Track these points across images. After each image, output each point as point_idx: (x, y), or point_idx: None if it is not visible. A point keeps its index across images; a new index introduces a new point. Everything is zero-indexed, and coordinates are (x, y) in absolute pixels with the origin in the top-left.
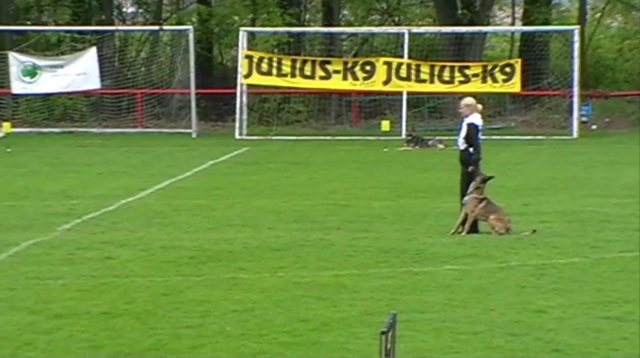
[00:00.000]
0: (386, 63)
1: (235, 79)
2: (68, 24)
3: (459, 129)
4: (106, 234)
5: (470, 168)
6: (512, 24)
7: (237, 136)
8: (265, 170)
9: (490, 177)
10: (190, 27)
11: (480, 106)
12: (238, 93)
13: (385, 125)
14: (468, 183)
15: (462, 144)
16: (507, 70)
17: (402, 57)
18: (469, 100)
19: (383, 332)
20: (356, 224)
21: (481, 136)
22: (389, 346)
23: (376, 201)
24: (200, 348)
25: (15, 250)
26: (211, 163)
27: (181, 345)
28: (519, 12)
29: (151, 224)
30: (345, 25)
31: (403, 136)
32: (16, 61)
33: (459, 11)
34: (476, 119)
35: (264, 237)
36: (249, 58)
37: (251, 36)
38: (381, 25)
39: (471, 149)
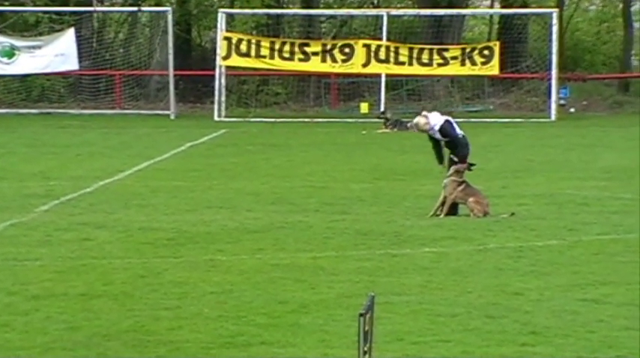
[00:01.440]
0: (365, 45)
1: (214, 60)
2: (46, 4)
3: (437, 138)
4: (84, 216)
5: (462, 166)
6: (491, 6)
7: (215, 118)
8: (244, 152)
9: (472, 165)
10: (169, 8)
11: (424, 112)
12: (217, 75)
13: (364, 107)
14: (452, 164)
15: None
16: (486, 52)
17: (380, 39)
18: (419, 120)
19: (361, 315)
20: (334, 206)
21: (459, 131)
22: (367, 328)
23: (355, 184)
24: (178, 330)
25: None
26: (189, 145)
27: (159, 327)
28: None
29: (129, 205)
30: (324, 7)
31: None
32: None
33: None
34: (439, 118)
35: (242, 219)
36: (228, 39)
37: (230, 17)
38: (360, 7)
39: (460, 136)
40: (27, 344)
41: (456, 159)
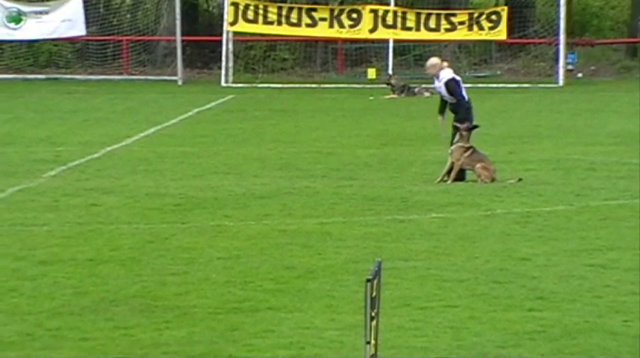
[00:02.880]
0: (372, 11)
1: (221, 26)
2: None
3: (439, 90)
4: (91, 181)
5: (462, 127)
6: None
7: (222, 84)
8: (251, 118)
9: (475, 126)
10: None
11: (445, 63)
12: (224, 41)
13: (371, 73)
14: (457, 131)
15: (451, 99)
16: (493, 17)
17: (388, 4)
18: (433, 60)
19: (368, 280)
20: (341, 172)
21: (464, 86)
22: (374, 293)
23: (362, 149)
24: (185, 295)
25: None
26: (197, 111)
27: (166, 292)
28: None
29: (136, 171)
30: None
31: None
32: (0, 7)
33: None
34: (448, 74)
35: (249, 185)
36: (235, 5)
37: None
38: None
39: (464, 98)
40: (35, 309)
41: (459, 125)
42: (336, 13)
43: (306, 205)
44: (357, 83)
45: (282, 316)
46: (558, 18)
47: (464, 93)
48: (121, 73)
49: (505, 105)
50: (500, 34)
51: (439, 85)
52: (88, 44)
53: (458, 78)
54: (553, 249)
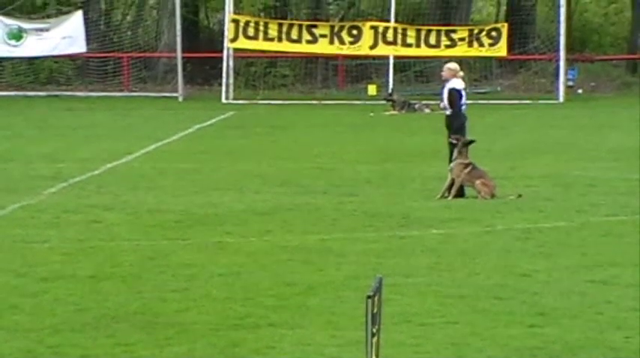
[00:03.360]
0: (372, 27)
1: (222, 42)
2: None
3: (441, 94)
4: (92, 198)
5: (454, 138)
6: None
7: (223, 100)
8: (251, 134)
9: (471, 141)
10: None
11: (461, 72)
12: (225, 57)
13: (372, 89)
14: (454, 147)
15: (449, 110)
16: (493, 34)
17: (388, 21)
18: (452, 65)
19: (369, 296)
20: (342, 188)
21: (465, 101)
22: (375, 310)
23: (362, 165)
24: (186, 312)
25: (0, 213)
26: (197, 127)
27: (167, 308)
28: None
29: (137, 187)
30: None
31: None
32: (1, 24)
33: None
34: (457, 84)
35: (250, 201)
36: (236, 22)
37: None
38: None
39: (460, 112)
40: (36, 326)
41: (454, 141)
42: (336, 29)
43: (306, 221)
44: (358, 99)
45: (282, 332)
46: (558, 34)
47: (462, 107)
48: (121, 90)
49: (505, 121)
50: (500, 50)
51: (445, 90)
52: (88, 61)
53: (463, 92)
54: (554, 265)
